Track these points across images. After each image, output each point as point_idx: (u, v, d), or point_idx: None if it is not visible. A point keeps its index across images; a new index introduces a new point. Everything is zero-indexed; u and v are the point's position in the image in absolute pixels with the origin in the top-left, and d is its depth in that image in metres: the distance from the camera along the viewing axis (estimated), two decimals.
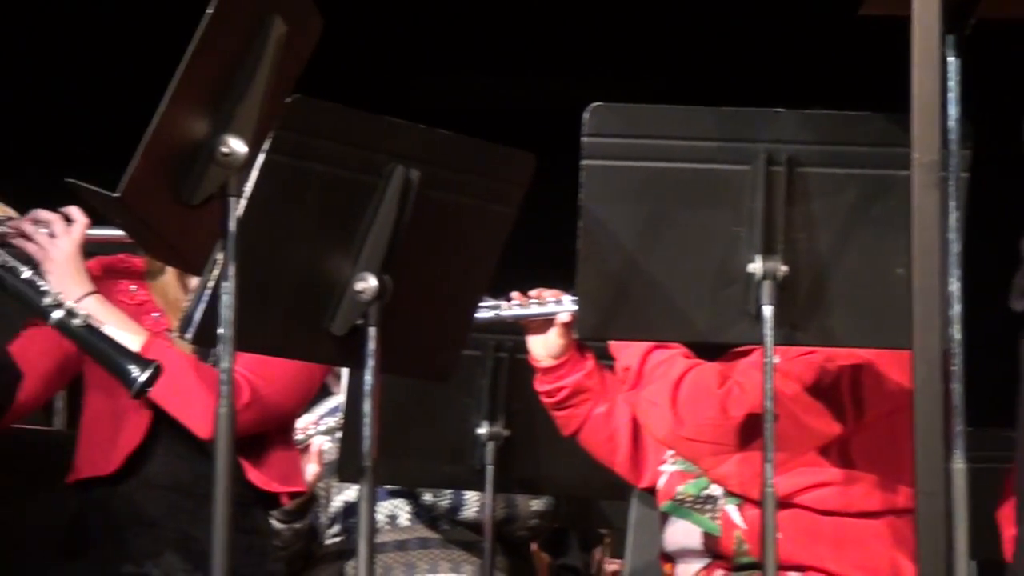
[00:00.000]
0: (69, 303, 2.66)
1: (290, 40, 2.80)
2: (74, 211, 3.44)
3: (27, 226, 3.39)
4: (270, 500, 3.69)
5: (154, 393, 3.40)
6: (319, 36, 2.95)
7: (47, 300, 2.67)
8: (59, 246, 3.40)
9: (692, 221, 3.17)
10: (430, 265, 3.07)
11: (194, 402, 3.46)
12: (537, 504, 4.43)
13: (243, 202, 2.81)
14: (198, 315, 2.86)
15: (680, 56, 6.90)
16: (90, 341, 2.67)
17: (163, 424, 3.54)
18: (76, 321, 2.66)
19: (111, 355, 2.67)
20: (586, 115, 3.13)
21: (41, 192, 3.51)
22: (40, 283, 2.67)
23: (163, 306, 3.66)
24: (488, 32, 6.94)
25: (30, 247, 3.34)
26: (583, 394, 3.67)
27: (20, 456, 3.79)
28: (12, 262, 2.70)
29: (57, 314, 2.66)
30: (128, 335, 3.37)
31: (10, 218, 3.46)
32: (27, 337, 3.50)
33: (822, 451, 3.44)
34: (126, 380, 2.67)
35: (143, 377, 2.65)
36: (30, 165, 5.37)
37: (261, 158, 2.84)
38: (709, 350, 3.57)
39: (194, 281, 3.65)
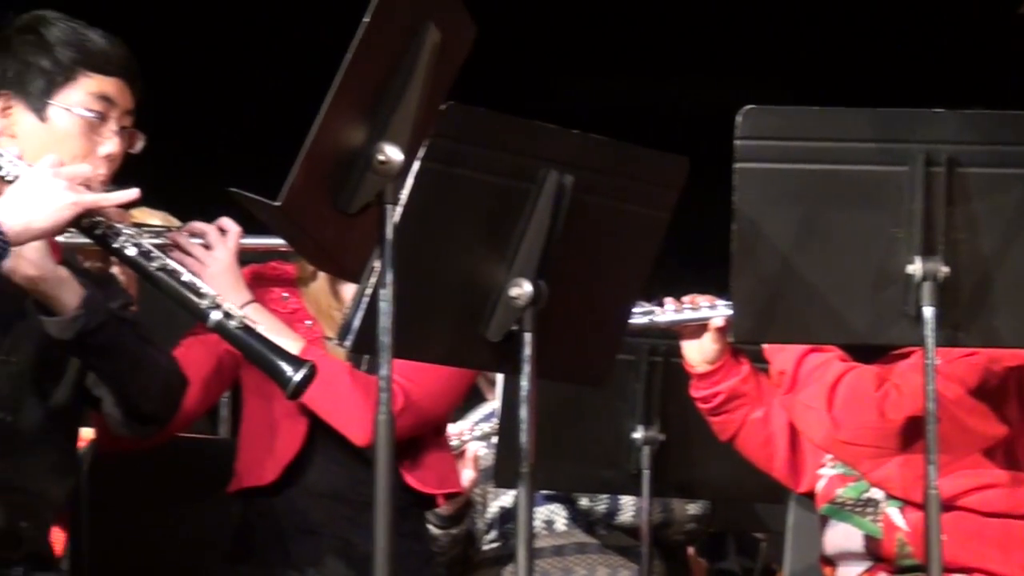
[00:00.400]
0: (227, 304, 2.70)
1: (444, 47, 2.82)
2: (227, 221, 3.50)
3: (183, 239, 3.45)
4: (427, 502, 3.71)
5: (311, 401, 3.45)
6: (472, 43, 2.97)
7: (205, 302, 2.71)
8: (216, 257, 3.45)
9: (848, 223, 3.14)
10: (584, 270, 3.07)
11: (351, 410, 3.49)
12: (694, 508, 4.42)
13: (399, 209, 2.82)
14: (357, 322, 2.88)
15: (833, 57, 6.83)
16: (247, 342, 2.71)
17: (319, 432, 3.58)
18: (233, 322, 2.70)
19: (267, 356, 2.70)
20: (739, 118, 3.12)
21: (201, 200, 3.58)
22: (199, 285, 2.71)
23: (315, 313, 3.70)
24: (634, 34, 6.93)
25: (187, 260, 3.40)
26: (739, 399, 3.65)
27: (188, 464, 3.85)
28: (173, 264, 2.75)
29: (215, 315, 2.70)
30: (285, 343, 3.42)
31: (168, 228, 3.52)
32: (186, 345, 3.57)
33: (986, 453, 3.39)
34: (281, 380, 2.69)
35: (297, 377, 2.67)
36: (191, 175, 5.45)
37: (416, 165, 2.86)
38: (865, 353, 3.54)
39: (345, 288, 3.69)
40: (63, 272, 3.09)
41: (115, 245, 2.72)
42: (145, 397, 3.23)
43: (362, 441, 3.48)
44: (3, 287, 3.10)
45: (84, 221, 2.70)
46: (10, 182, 2.99)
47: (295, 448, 3.58)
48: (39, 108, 3.25)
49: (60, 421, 3.26)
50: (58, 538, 3.56)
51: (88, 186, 3.04)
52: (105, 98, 3.29)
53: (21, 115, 3.25)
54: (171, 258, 3.12)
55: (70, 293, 3.08)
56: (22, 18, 3.32)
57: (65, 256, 3.14)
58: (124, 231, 2.72)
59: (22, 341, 3.20)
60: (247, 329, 2.70)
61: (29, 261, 3.03)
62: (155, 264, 2.73)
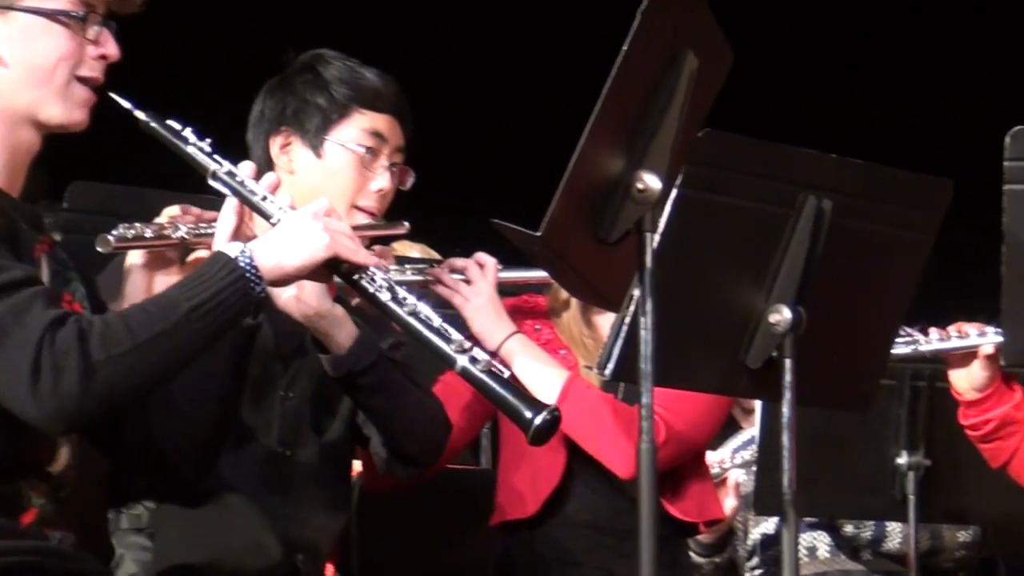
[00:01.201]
0: (477, 351, 2.72)
1: (702, 74, 2.81)
2: (484, 256, 3.54)
3: (444, 274, 3.50)
4: (688, 531, 3.70)
5: (573, 432, 3.47)
6: (729, 69, 2.96)
7: (452, 347, 2.73)
8: (477, 291, 3.49)
9: None
10: (846, 295, 3.02)
11: (613, 441, 3.49)
12: (964, 535, 4.33)
13: (658, 237, 2.82)
14: (617, 351, 2.88)
15: None
16: (490, 386, 2.71)
17: (579, 462, 3.59)
18: (479, 367, 2.72)
19: (509, 400, 2.70)
20: (1008, 139, 3.05)
21: (462, 232, 3.63)
22: (448, 330, 2.75)
23: (568, 342, 3.71)
24: (893, 56, 6.83)
25: (452, 297, 3.46)
26: (1011, 425, 3.56)
27: (451, 496, 3.89)
28: (426, 312, 2.78)
29: (461, 360, 2.72)
30: (549, 373, 3.45)
31: (429, 263, 3.57)
32: (445, 380, 3.60)
33: None
34: (522, 424, 2.70)
35: (538, 420, 2.68)
36: (446, 207, 5.52)
37: (674, 193, 2.85)
38: None
39: (598, 317, 3.70)
40: (339, 310, 3.15)
41: (369, 289, 2.76)
42: (410, 439, 3.27)
43: (625, 472, 3.47)
44: (283, 324, 3.19)
45: (342, 267, 2.75)
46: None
47: (555, 479, 3.59)
48: (315, 144, 3.33)
49: (334, 457, 3.32)
50: (329, 572, 3.63)
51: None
52: (377, 134, 3.36)
53: (299, 151, 3.34)
54: (430, 292, 3.16)
55: (345, 331, 3.15)
56: (302, 57, 3.42)
57: (338, 293, 3.20)
58: (378, 275, 2.77)
59: (300, 377, 3.27)
60: (491, 373, 2.72)
61: (309, 298, 3.10)
62: (406, 309, 2.76)
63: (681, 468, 3.62)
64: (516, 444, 3.64)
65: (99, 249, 2.87)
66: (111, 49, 2.72)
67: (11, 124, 2.67)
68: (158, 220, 2.98)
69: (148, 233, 2.90)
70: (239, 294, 2.59)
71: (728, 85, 2.99)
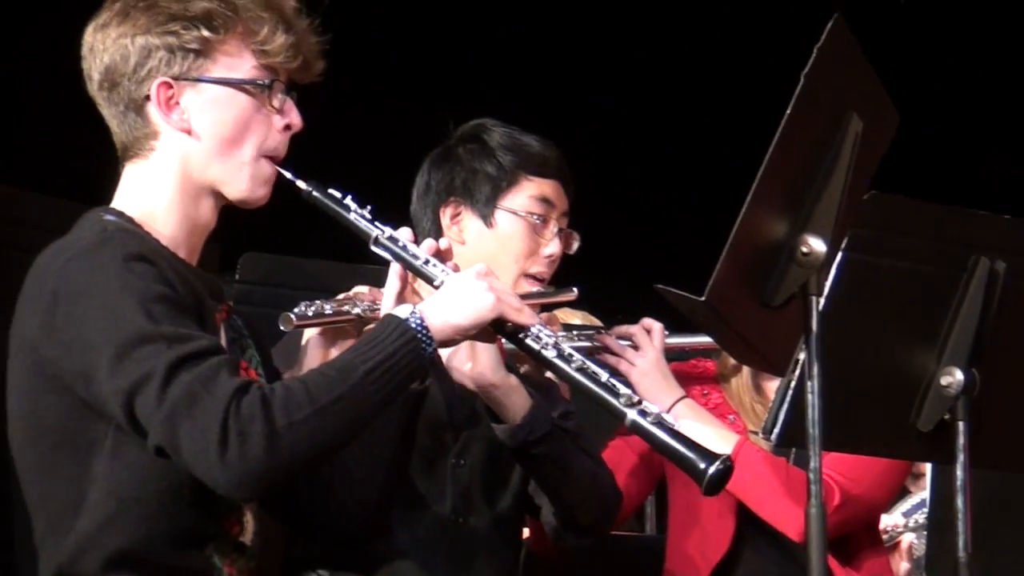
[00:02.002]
0: (646, 404, 2.72)
1: (867, 136, 2.80)
2: (651, 321, 3.53)
3: (611, 341, 3.50)
4: None
5: (744, 496, 3.45)
6: (895, 131, 2.94)
7: (622, 401, 2.74)
8: (645, 356, 3.49)
9: None
10: (1021, 357, 2.98)
11: (785, 503, 3.45)
12: None
13: (823, 300, 2.80)
14: (782, 415, 2.86)
15: None
16: (661, 439, 2.71)
17: (749, 527, 3.56)
18: (649, 419, 2.72)
19: (681, 451, 2.69)
20: None
21: (627, 298, 3.63)
22: (617, 385, 2.75)
23: (738, 408, 3.70)
24: None
25: (619, 364, 3.46)
26: None
27: (615, 562, 3.87)
28: (593, 367, 2.79)
29: (632, 414, 2.72)
30: (719, 437, 3.43)
31: (596, 329, 3.57)
32: (613, 446, 3.63)
33: None
34: (695, 475, 2.69)
35: (712, 470, 2.66)
36: (613, 274, 5.53)
37: (840, 256, 2.83)
38: None
39: (768, 383, 3.67)
40: (513, 380, 3.18)
41: (535, 347, 2.78)
42: (582, 509, 3.28)
43: (797, 534, 3.44)
44: (455, 393, 3.22)
45: (508, 326, 2.77)
46: None
47: (725, 545, 3.57)
48: (486, 213, 3.37)
49: (505, 526, 3.34)
50: None
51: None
52: (545, 200, 3.39)
53: (469, 222, 3.39)
54: (598, 359, 3.16)
55: (519, 401, 3.17)
56: (464, 128, 3.46)
57: (507, 362, 3.22)
58: (543, 333, 2.78)
59: (472, 446, 3.30)
60: (662, 425, 2.71)
61: (484, 369, 3.13)
62: (574, 366, 2.77)
63: (854, 533, 3.58)
64: (685, 510, 3.63)
65: (281, 327, 2.92)
66: (295, 118, 2.78)
67: (196, 196, 2.74)
68: (337, 297, 3.03)
69: (327, 310, 2.95)
70: (412, 355, 2.62)
71: (894, 145, 2.97)
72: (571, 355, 2.78)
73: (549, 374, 3.10)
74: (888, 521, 4.23)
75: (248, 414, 2.46)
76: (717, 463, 2.67)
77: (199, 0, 2.71)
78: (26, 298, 2.63)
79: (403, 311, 2.67)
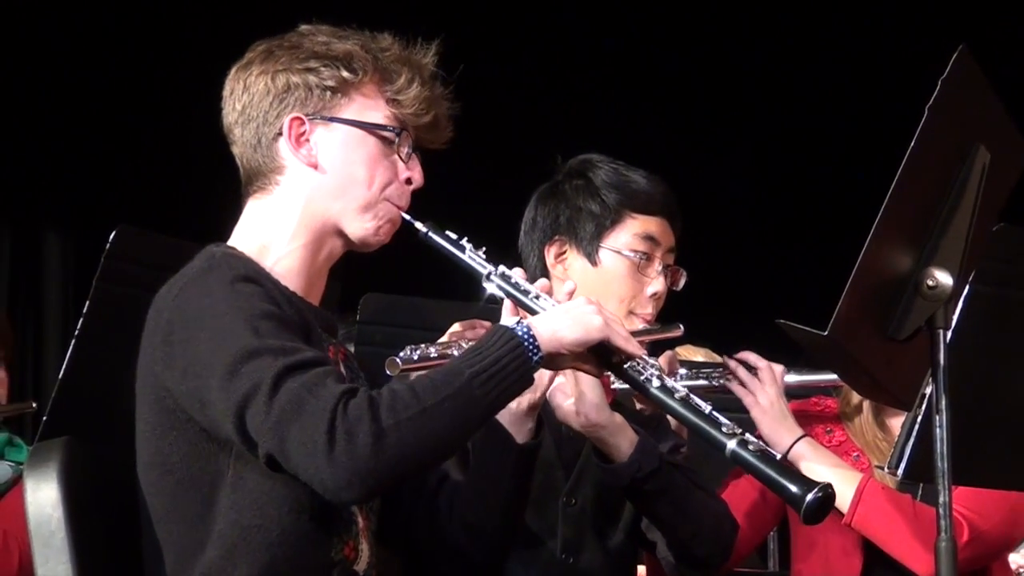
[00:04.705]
0: (748, 435, 2.72)
1: (994, 168, 2.78)
2: (770, 364, 3.50)
3: (740, 371, 3.49)
4: None
5: (871, 533, 3.41)
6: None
7: (723, 431, 2.73)
8: (767, 392, 3.46)
9: None
10: None
11: (913, 540, 3.41)
12: None
13: (950, 333, 2.78)
14: (909, 450, 2.84)
15: None
16: (760, 468, 2.70)
17: (876, 565, 3.51)
18: (749, 449, 2.71)
19: (778, 480, 2.68)
20: None
21: (745, 334, 3.62)
22: (717, 417, 2.75)
23: (861, 446, 3.65)
24: None
25: (744, 396, 3.45)
26: None
27: None
28: (696, 400, 2.79)
29: (732, 444, 2.72)
30: (842, 475, 3.39)
31: (717, 366, 3.55)
32: (732, 484, 3.60)
33: None
34: (794, 503, 2.67)
35: (810, 497, 2.65)
36: (727, 309, 5.51)
37: (967, 289, 2.81)
38: None
39: (892, 419, 3.63)
40: (619, 419, 3.16)
41: (639, 379, 2.78)
42: (697, 542, 3.25)
43: (926, 573, 3.40)
44: (564, 432, 3.22)
45: (613, 357, 2.77)
46: None
47: None
48: (590, 252, 3.37)
49: (617, 564, 3.32)
50: None
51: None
52: (650, 238, 3.38)
53: (574, 260, 3.38)
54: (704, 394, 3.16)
55: (625, 439, 3.15)
56: (570, 163, 3.46)
57: (617, 398, 3.21)
58: (649, 364, 2.78)
59: (582, 484, 3.29)
60: (762, 456, 2.70)
61: (588, 409, 3.12)
62: (677, 396, 2.77)
63: (983, 570, 3.53)
64: (808, 547, 3.59)
65: (388, 372, 2.93)
66: (417, 175, 2.82)
67: (318, 232, 2.77)
68: (440, 340, 3.04)
69: (432, 353, 2.96)
70: (518, 361, 2.62)
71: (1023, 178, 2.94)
72: (674, 387, 2.78)
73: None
74: (1018, 560, 4.17)
75: (355, 415, 2.48)
76: (815, 490, 2.66)
77: (342, 43, 2.76)
78: (147, 333, 2.68)
79: (511, 322, 2.71)
